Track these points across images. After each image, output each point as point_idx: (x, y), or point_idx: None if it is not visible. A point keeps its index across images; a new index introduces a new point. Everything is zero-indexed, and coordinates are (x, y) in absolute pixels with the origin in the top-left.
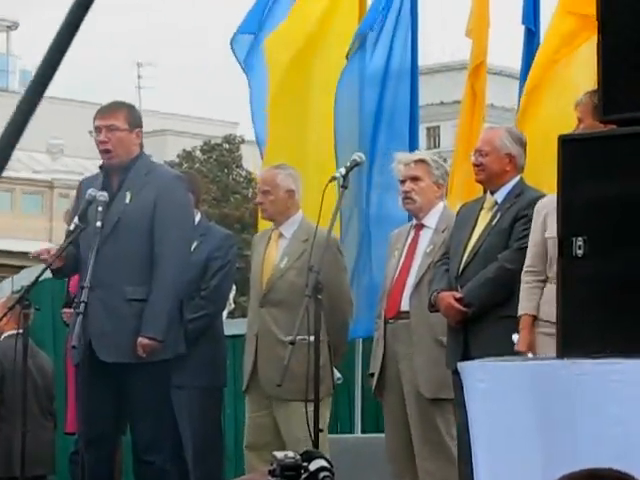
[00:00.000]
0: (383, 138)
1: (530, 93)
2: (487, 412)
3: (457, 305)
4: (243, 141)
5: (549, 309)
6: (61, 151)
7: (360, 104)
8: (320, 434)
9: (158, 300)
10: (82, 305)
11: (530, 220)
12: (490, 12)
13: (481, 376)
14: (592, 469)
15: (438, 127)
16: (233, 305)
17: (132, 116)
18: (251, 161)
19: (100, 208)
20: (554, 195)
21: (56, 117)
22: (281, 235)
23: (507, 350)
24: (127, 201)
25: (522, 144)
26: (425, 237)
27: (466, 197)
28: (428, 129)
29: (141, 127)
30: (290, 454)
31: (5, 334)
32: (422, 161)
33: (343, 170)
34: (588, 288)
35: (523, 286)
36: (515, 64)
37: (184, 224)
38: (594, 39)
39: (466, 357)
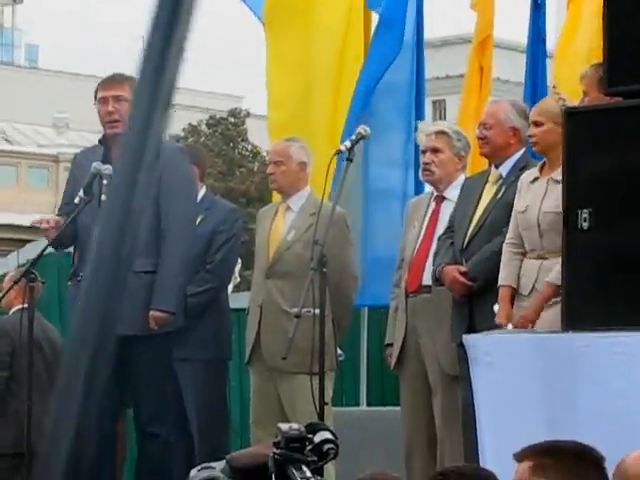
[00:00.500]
0: (388, 112)
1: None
2: (492, 384)
3: (462, 279)
4: (248, 115)
5: (526, 282)
6: (66, 125)
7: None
8: (325, 407)
9: (168, 272)
10: None
11: None
12: None
13: (486, 348)
14: (555, 440)
15: (444, 100)
16: (239, 279)
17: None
18: (256, 135)
19: (105, 181)
20: (534, 168)
21: (62, 91)
22: (289, 208)
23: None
24: None
25: (526, 117)
26: (447, 210)
27: (472, 170)
28: (434, 102)
29: None
30: (295, 426)
31: (14, 308)
32: (443, 133)
33: (348, 143)
34: (593, 261)
35: (503, 257)
36: (521, 37)
37: (189, 196)
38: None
39: (471, 330)
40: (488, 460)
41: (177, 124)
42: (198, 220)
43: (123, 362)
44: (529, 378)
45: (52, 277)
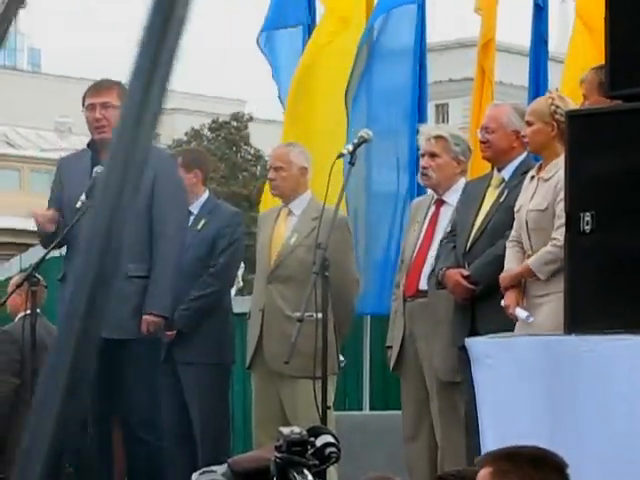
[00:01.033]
0: (389, 115)
1: None
2: (494, 387)
3: (464, 282)
4: (251, 119)
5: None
6: (69, 129)
7: (368, 81)
8: (327, 411)
9: (162, 278)
10: None
11: None
12: None
13: (488, 352)
14: (515, 446)
15: (447, 104)
16: (242, 283)
17: (124, 93)
18: (259, 139)
19: None
20: (534, 168)
21: (64, 95)
22: (290, 212)
23: (514, 327)
24: None
25: None
26: (445, 214)
27: (474, 174)
28: (437, 106)
29: None
30: (296, 430)
31: (20, 314)
32: (441, 137)
33: (350, 147)
34: (595, 263)
35: (507, 253)
36: (524, 41)
37: (182, 202)
38: None
39: (473, 334)
40: None
41: (180, 128)
42: (201, 224)
43: (115, 365)
44: (531, 381)
45: (54, 281)
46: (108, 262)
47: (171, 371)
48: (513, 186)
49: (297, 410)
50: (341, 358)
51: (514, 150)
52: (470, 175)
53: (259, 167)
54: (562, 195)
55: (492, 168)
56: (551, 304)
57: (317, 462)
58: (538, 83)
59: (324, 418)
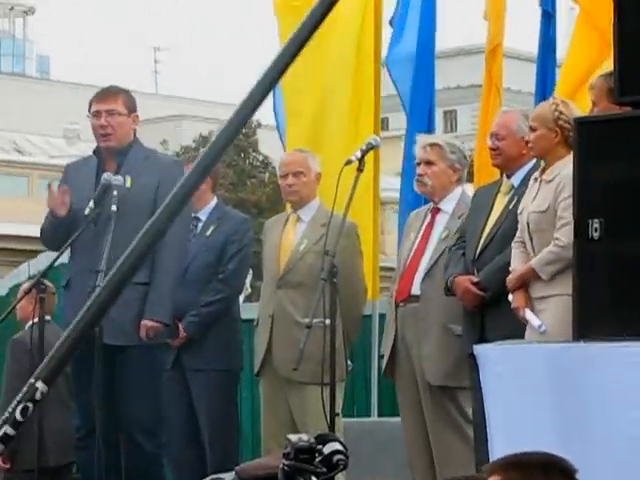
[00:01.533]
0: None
1: None
2: (503, 395)
3: (474, 289)
4: (259, 125)
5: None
6: (77, 136)
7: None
8: (335, 418)
9: (162, 284)
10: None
11: None
12: None
13: (497, 359)
14: (522, 453)
15: (455, 111)
16: (250, 289)
17: (130, 101)
18: (267, 145)
19: (115, 192)
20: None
21: (73, 102)
22: (299, 219)
23: (523, 334)
24: (128, 186)
25: None
26: (441, 222)
27: (483, 180)
28: (445, 113)
29: (137, 112)
30: (304, 437)
31: (30, 322)
32: (436, 145)
33: (359, 153)
34: (604, 270)
35: (512, 252)
36: (532, 47)
37: (185, 209)
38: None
39: (482, 340)
40: None
41: (188, 135)
42: (210, 230)
43: (118, 372)
44: (540, 388)
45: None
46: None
47: (180, 377)
48: (522, 193)
49: (306, 417)
50: (348, 362)
51: (524, 157)
52: (479, 181)
53: (267, 174)
54: (564, 195)
55: (501, 175)
56: (556, 309)
57: (325, 469)
58: (545, 90)
59: (332, 425)
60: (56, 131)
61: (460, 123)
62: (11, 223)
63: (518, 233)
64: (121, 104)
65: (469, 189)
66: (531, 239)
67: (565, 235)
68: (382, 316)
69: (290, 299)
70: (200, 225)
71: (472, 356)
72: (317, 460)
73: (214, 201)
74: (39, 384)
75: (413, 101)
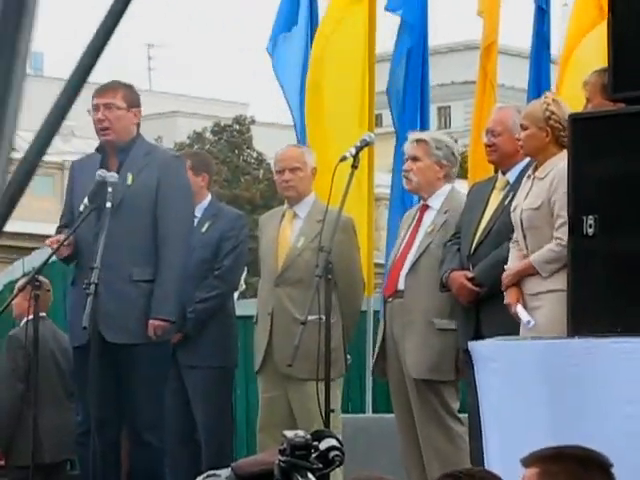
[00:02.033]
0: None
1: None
2: (498, 390)
3: (469, 285)
4: (253, 122)
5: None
6: (72, 133)
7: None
8: (332, 414)
9: (167, 281)
10: (92, 286)
11: None
12: None
13: (492, 355)
14: (561, 446)
15: (449, 107)
16: (244, 286)
17: (130, 95)
18: (261, 142)
19: (110, 189)
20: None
21: None
22: (295, 215)
23: (519, 329)
24: (129, 182)
25: None
26: (428, 218)
27: (478, 176)
28: (439, 109)
29: (139, 107)
30: (300, 433)
31: (25, 318)
32: (422, 141)
33: (353, 150)
34: (599, 267)
35: (510, 252)
36: (526, 44)
37: (187, 204)
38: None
39: (478, 336)
40: (493, 465)
41: (182, 131)
42: (205, 227)
43: (122, 370)
44: (535, 384)
45: (58, 284)
46: None
47: (175, 374)
48: (518, 189)
49: (306, 413)
50: (348, 357)
51: (519, 153)
52: (473, 178)
53: (262, 170)
54: (559, 193)
55: (496, 171)
56: (550, 305)
57: (321, 466)
58: (540, 86)
59: (327, 421)
60: None
61: (454, 119)
62: None
63: (515, 233)
64: (120, 98)
65: (462, 186)
66: (524, 237)
67: (566, 234)
68: (377, 313)
69: (289, 296)
70: (195, 222)
71: (467, 352)
72: (313, 456)
73: (209, 198)
74: None
75: (406, 97)
